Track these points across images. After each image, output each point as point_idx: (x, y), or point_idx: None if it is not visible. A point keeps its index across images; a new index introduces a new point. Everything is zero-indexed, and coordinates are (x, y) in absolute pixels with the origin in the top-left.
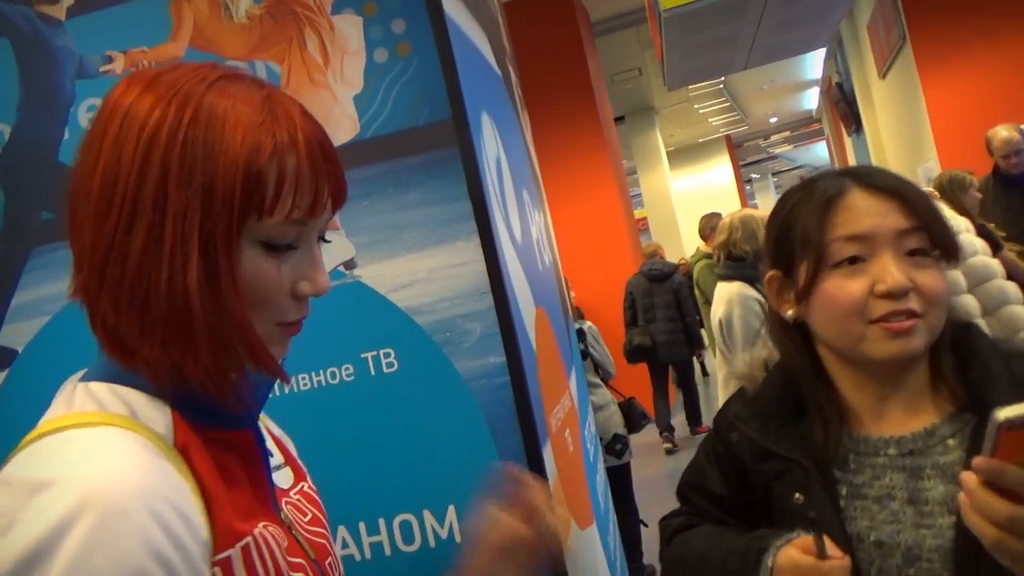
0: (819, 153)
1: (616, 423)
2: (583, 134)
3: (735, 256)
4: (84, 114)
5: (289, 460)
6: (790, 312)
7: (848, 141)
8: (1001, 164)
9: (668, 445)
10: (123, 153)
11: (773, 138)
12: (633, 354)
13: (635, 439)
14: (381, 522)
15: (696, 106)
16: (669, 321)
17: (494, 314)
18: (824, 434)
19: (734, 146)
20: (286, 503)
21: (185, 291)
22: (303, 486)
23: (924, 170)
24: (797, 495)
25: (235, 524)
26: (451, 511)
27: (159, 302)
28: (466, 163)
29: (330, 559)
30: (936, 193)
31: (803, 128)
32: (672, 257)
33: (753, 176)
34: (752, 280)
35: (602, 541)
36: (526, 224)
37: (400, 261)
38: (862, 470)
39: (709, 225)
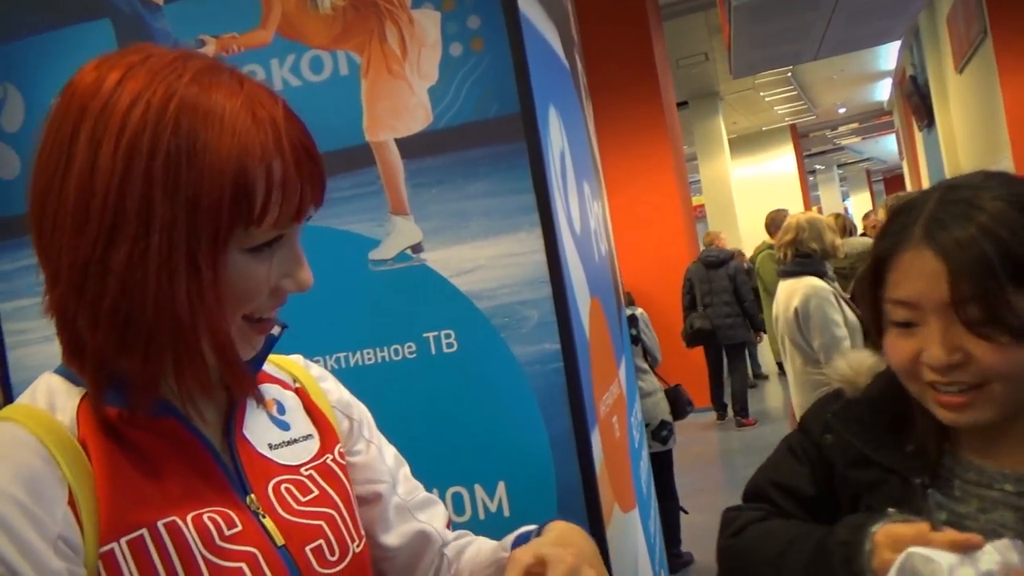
0: (888, 146)
1: (663, 410)
2: (645, 119)
3: (803, 253)
4: None
5: (322, 431)
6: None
7: (919, 136)
8: None
9: (722, 421)
10: (100, 158)
11: (840, 129)
12: (693, 337)
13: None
14: (434, 492)
15: (762, 94)
16: (726, 305)
17: (551, 303)
18: (934, 452)
19: (799, 136)
20: (281, 482)
21: (173, 306)
22: (327, 458)
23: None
24: (891, 510)
25: (128, 517)
26: (501, 487)
27: (144, 318)
28: (532, 157)
29: (318, 543)
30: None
31: (873, 120)
32: (731, 246)
33: (817, 167)
34: (821, 276)
35: (643, 525)
36: (585, 216)
37: (464, 247)
38: (968, 500)
39: (775, 221)
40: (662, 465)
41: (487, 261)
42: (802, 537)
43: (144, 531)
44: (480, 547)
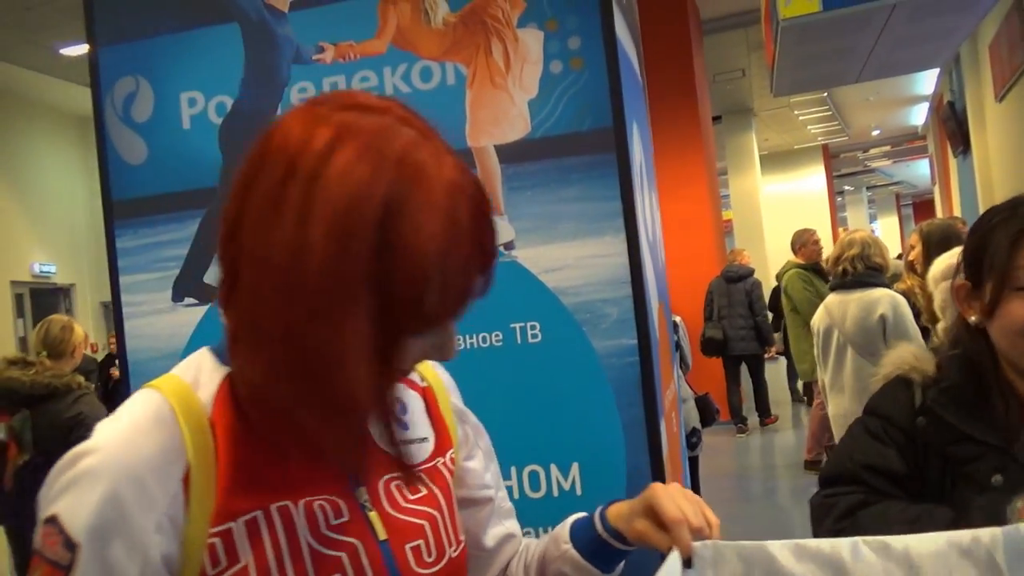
0: (920, 171)
1: (694, 417)
2: (681, 132)
3: (873, 266)
4: (296, 94)
5: (438, 434)
6: (974, 318)
7: (953, 162)
8: None
9: (741, 435)
10: (311, 234)
11: (872, 151)
12: (705, 346)
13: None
14: (512, 470)
15: (796, 112)
16: (741, 318)
17: (631, 302)
18: (1019, 423)
19: (830, 156)
20: (393, 479)
21: (355, 387)
22: (438, 462)
23: None
24: (996, 476)
25: (246, 498)
26: (575, 468)
27: (330, 391)
28: (621, 168)
29: (419, 543)
30: None
31: (905, 144)
32: (757, 261)
33: (847, 188)
34: (887, 288)
35: None
36: (654, 225)
37: (553, 247)
38: None
39: (800, 240)
40: (690, 470)
41: (574, 261)
42: (924, 516)
43: (259, 513)
44: (541, 544)
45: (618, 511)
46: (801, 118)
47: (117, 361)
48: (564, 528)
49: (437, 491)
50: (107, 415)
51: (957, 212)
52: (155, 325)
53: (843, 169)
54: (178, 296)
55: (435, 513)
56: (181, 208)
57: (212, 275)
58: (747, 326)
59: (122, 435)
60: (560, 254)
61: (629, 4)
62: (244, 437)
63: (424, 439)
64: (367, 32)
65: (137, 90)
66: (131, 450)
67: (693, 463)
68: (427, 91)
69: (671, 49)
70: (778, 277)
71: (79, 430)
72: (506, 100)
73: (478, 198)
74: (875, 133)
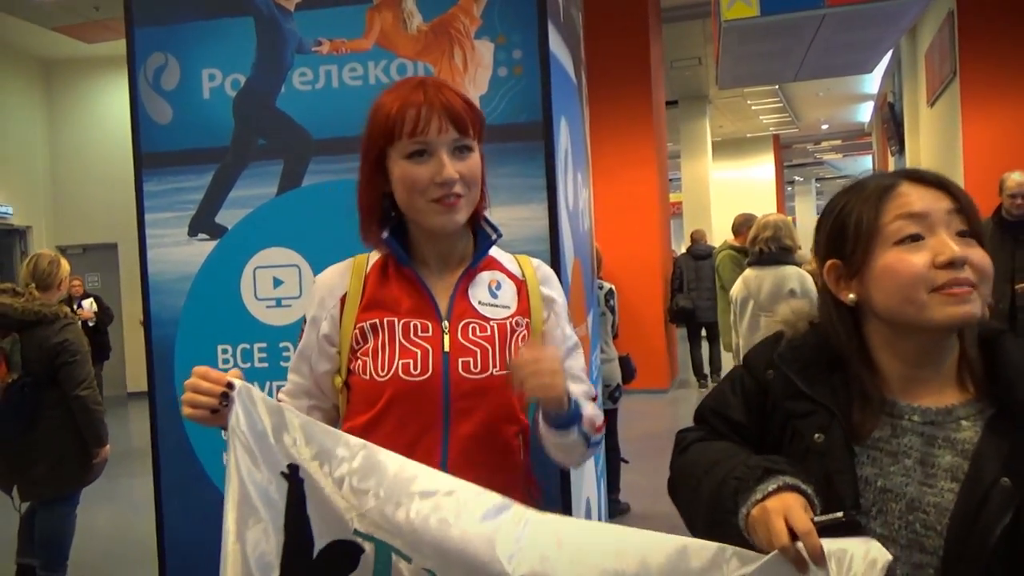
0: (865, 165)
1: (617, 375)
2: (634, 116)
3: (784, 247)
4: (297, 77)
5: (519, 307)
6: (851, 296)
7: (891, 160)
8: (1007, 203)
9: (703, 388)
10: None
11: (823, 144)
12: (677, 315)
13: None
14: None
15: (749, 102)
16: (707, 291)
17: (548, 255)
18: (864, 389)
19: (781, 146)
20: (470, 322)
21: (371, 197)
22: (509, 322)
23: None
24: (817, 435)
25: (374, 311)
26: None
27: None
28: (547, 153)
29: (468, 360)
30: None
31: (855, 139)
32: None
33: (796, 179)
34: (797, 266)
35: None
36: (577, 198)
37: (493, 211)
38: (884, 427)
39: (746, 224)
40: (610, 420)
41: (507, 221)
42: (721, 463)
43: (377, 321)
44: None
45: None
46: (754, 108)
47: (142, 279)
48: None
49: (498, 335)
50: (87, 345)
51: None
52: (173, 254)
53: (794, 160)
54: (193, 232)
55: (488, 346)
56: (199, 162)
57: (222, 216)
58: (711, 297)
59: (325, 274)
60: (497, 216)
61: (567, 20)
62: (379, 281)
63: (507, 307)
64: (356, 32)
65: (166, 64)
66: (325, 279)
67: (613, 414)
68: None
69: (630, 35)
70: (714, 256)
71: (64, 355)
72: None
73: (432, 80)
74: (824, 127)
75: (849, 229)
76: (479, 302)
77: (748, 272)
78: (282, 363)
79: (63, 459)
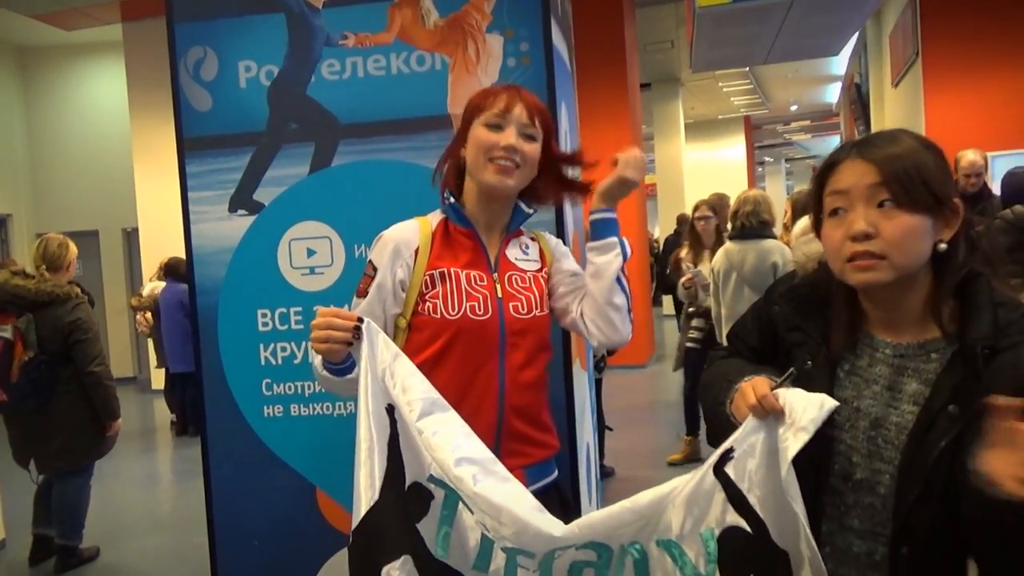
0: (834, 145)
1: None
2: (610, 98)
3: (763, 221)
4: (325, 68)
5: (542, 262)
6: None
7: None
8: (962, 182)
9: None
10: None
11: (792, 125)
12: (669, 289)
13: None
14: None
15: (721, 84)
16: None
17: (555, 227)
18: (847, 324)
19: (752, 127)
20: (513, 274)
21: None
22: (540, 273)
23: None
24: (808, 362)
25: (439, 263)
26: None
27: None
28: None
29: (517, 303)
30: None
31: (823, 120)
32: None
33: (767, 159)
34: (776, 239)
35: (590, 394)
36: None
37: None
38: (863, 356)
39: (719, 202)
40: (595, 390)
41: None
42: (729, 374)
43: (445, 270)
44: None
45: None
46: (725, 90)
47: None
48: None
49: (533, 284)
50: (96, 324)
51: None
52: (214, 228)
53: (764, 140)
54: (233, 208)
55: (530, 294)
56: (237, 145)
57: (259, 194)
58: None
59: (397, 229)
60: None
61: (564, 14)
62: (443, 239)
63: (535, 260)
64: (379, 27)
65: (205, 57)
66: (398, 233)
67: (598, 384)
68: (421, 72)
69: (604, 17)
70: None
71: (76, 333)
72: (476, 83)
73: (517, 87)
74: (793, 108)
75: (813, 203)
76: (516, 259)
77: (730, 245)
78: None
79: (77, 432)
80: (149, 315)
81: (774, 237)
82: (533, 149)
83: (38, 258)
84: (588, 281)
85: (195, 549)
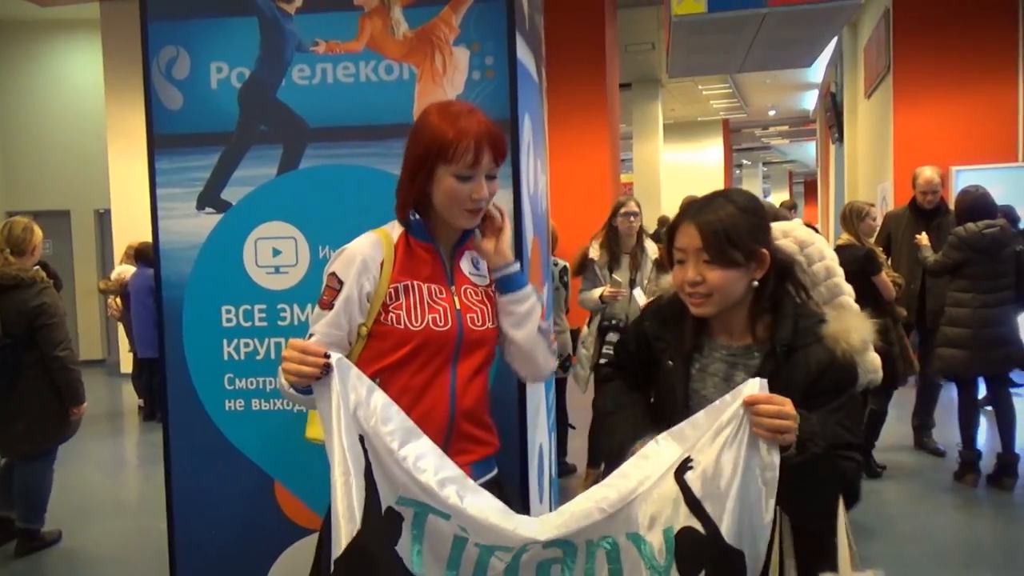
0: (809, 151)
1: (569, 346)
2: (588, 98)
3: None
4: (296, 72)
5: (490, 276)
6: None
7: (832, 148)
8: (919, 198)
9: None
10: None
11: (770, 129)
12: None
13: None
14: None
15: (700, 87)
16: None
17: (513, 235)
18: (694, 333)
19: (730, 130)
20: (468, 287)
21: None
22: (490, 287)
23: (881, 189)
24: (670, 362)
25: (401, 277)
26: None
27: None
28: (513, 147)
29: (473, 315)
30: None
31: (801, 126)
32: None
33: (744, 162)
34: None
35: (545, 397)
36: (536, 183)
37: None
38: (707, 356)
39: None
40: (559, 389)
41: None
42: (622, 430)
43: (408, 283)
44: None
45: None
46: (705, 93)
47: (154, 248)
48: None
49: (485, 297)
50: (62, 308)
51: (832, 192)
52: (183, 225)
53: (742, 144)
54: (200, 206)
55: (484, 307)
56: (206, 144)
57: (227, 193)
58: None
59: (361, 243)
60: None
61: (532, 27)
62: (406, 253)
63: (484, 275)
64: (349, 36)
65: (177, 56)
66: (363, 247)
67: (562, 382)
68: (390, 82)
69: (585, 19)
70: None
71: (42, 317)
72: (441, 93)
73: (480, 115)
74: (771, 113)
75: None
76: (469, 273)
77: None
78: (279, 323)
79: (41, 417)
80: (119, 300)
81: None
82: (495, 186)
83: (2, 242)
84: (509, 330)
85: (158, 534)
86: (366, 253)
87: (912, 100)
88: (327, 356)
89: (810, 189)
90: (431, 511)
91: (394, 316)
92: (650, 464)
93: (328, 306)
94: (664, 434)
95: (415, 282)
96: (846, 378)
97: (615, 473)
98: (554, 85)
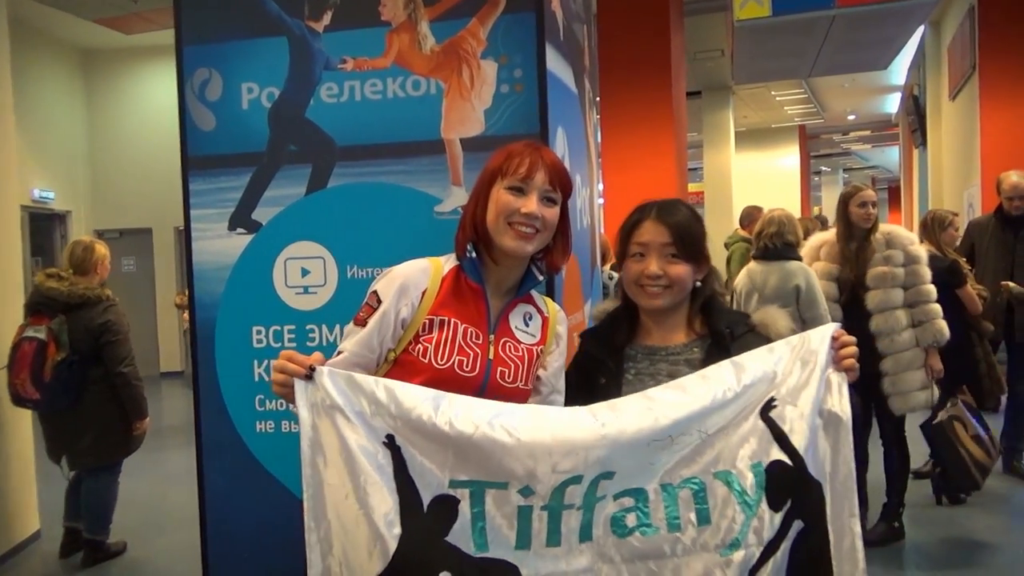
0: (893, 157)
1: None
2: (654, 107)
3: (787, 242)
4: (324, 91)
5: (542, 338)
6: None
7: (916, 152)
8: (1005, 205)
9: None
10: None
11: (850, 135)
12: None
13: None
14: None
15: (773, 93)
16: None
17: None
18: (626, 340)
19: (807, 136)
20: (508, 340)
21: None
22: (536, 349)
23: (967, 195)
24: (602, 379)
25: (444, 310)
26: None
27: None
28: None
29: (505, 370)
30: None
31: (883, 130)
32: (725, 233)
33: (823, 169)
34: (800, 261)
35: None
36: (574, 197)
37: None
38: (643, 361)
39: (749, 217)
40: None
41: None
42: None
43: (444, 318)
44: None
45: None
46: (778, 99)
47: (187, 268)
48: None
49: (527, 357)
50: (128, 325)
51: (916, 199)
52: (215, 245)
53: (821, 150)
54: (232, 226)
55: (519, 364)
56: (238, 164)
57: (258, 213)
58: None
59: (408, 267)
60: None
61: (568, 36)
62: (452, 288)
63: (533, 335)
64: (376, 52)
65: (210, 78)
66: (409, 271)
67: None
68: (416, 97)
69: (650, 26)
70: (726, 246)
71: (107, 335)
72: (469, 108)
73: (542, 148)
74: (851, 118)
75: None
76: (516, 327)
77: (752, 265)
78: (308, 343)
79: (107, 431)
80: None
81: (799, 259)
82: (553, 214)
83: (66, 263)
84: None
85: None
86: (410, 278)
87: (1000, 101)
88: (311, 369)
89: (894, 195)
90: (487, 486)
91: (422, 348)
92: (710, 385)
93: (362, 323)
94: (728, 361)
95: (453, 319)
96: None
97: (672, 384)
98: (616, 95)
